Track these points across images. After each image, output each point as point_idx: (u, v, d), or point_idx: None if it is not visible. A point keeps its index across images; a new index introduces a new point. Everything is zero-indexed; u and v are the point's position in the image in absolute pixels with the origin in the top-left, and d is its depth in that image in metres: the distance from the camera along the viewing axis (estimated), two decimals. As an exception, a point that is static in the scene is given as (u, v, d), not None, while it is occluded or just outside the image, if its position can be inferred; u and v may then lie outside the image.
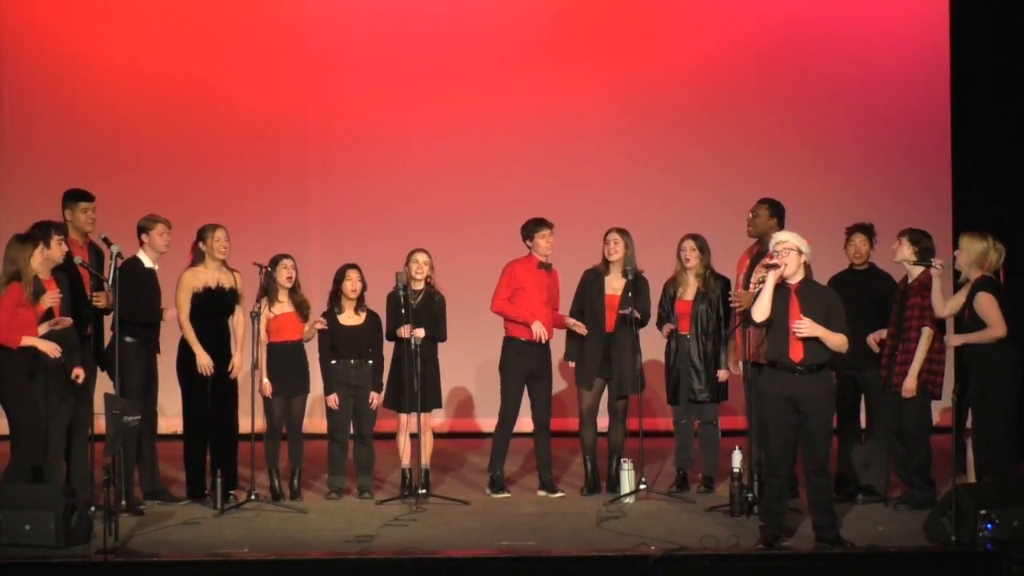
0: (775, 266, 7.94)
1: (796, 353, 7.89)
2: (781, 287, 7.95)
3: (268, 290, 9.57)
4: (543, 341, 9.72)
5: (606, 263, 9.81)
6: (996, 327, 8.55)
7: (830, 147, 12.96)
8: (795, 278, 7.98)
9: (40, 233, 8.54)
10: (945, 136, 11.94)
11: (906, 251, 9.02)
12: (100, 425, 8.24)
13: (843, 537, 8.00)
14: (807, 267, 8.03)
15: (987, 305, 8.57)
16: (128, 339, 9.09)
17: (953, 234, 10.71)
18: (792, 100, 13.00)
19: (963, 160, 11.61)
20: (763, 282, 9.21)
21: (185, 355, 9.43)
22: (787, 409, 7.92)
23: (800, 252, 7.97)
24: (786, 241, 8.00)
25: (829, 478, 8.19)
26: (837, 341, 7.91)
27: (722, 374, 9.69)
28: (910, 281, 9.05)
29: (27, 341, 8.31)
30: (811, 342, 7.87)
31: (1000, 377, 8.59)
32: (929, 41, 12.53)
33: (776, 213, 9.59)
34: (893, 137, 12.95)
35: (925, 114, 12.72)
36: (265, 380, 9.51)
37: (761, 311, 7.95)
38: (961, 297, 8.71)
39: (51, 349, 8.34)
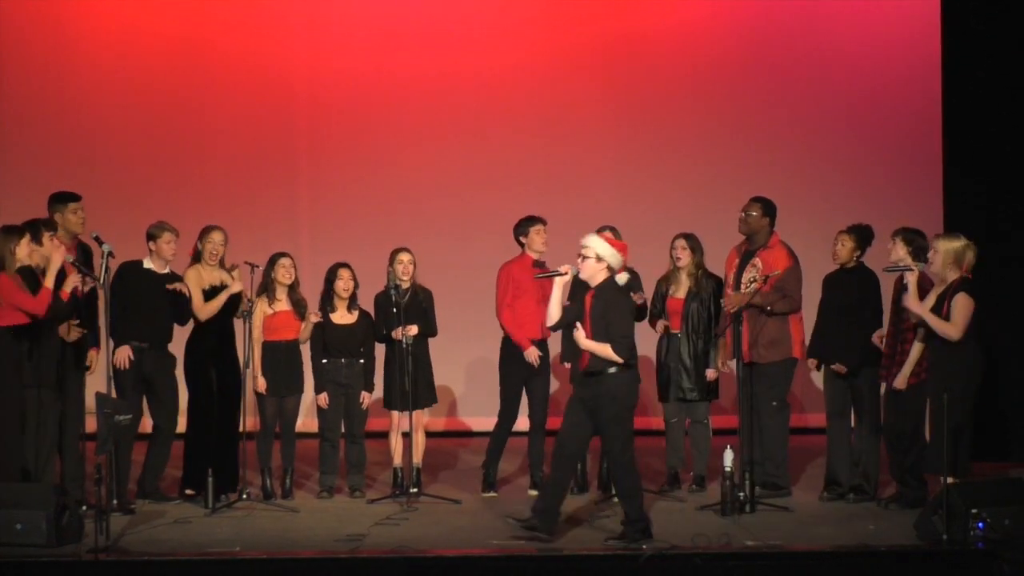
0: (559, 273, 8.10)
1: (583, 360, 8.09)
2: (584, 291, 8.10)
3: (263, 289, 9.56)
4: (537, 363, 9.70)
5: (596, 261, 9.79)
6: (954, 328, 8.42)
7: (821, 147, 12.96)
8: (593, 282, 8.08)
9: (28, 227, 8.53)
10: (936, 136, 11.92)
11: (900, 252, 8.97)
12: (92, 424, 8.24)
13: (638, 532, 7.99)
14: (610, 270, 8.09)
15: (960, 307, 8.43)
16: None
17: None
18: (783, 99, 13.00)
19: (954, 159, 11.60)
20: (755, 281, 9.26)
21: (193, 358, 9.46)
22: (578, 408, 8.10)
23: (599, 258, 8.03)
24: (586, 248, 8.09)
25: (622, 472, 8.14)
26: (601, 352, 7.96)
27: (710, 373, 9.69)
28: (905, 281, 9.01)
29: (49, 281, 8.31)
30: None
31: (956, 376, 8.45)
32: (921, 39, 12.52)
33: (768, 212, 9.59)
34: (884, 137, 12.95)
35: (916, 113, 12.72)
36: (260, 377, 9.51)
37: (550, 316, 8.17)
38: (932, 299, 8.60)
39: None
